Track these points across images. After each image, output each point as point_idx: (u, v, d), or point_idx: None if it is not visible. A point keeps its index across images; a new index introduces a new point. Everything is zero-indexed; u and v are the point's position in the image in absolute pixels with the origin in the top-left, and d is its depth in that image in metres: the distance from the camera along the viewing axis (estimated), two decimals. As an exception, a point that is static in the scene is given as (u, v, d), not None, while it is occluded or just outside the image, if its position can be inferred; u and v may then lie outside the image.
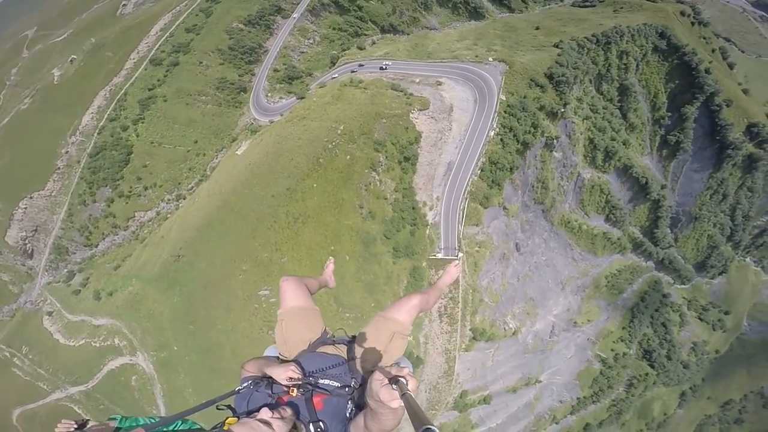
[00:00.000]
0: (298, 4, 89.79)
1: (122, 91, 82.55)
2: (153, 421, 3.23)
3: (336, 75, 74.54)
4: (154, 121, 78.00)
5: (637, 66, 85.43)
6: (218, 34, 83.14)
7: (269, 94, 79.55)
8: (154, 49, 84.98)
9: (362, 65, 72.90)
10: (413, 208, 60.89)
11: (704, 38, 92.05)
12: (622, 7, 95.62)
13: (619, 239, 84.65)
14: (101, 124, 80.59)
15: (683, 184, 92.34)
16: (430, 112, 66.02)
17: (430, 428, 1.73)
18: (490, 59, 74.53)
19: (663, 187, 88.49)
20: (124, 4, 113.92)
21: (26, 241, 78.04)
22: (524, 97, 69.12)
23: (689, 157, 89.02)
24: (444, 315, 61.10)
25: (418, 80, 70.53)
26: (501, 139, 65.57)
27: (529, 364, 74.31)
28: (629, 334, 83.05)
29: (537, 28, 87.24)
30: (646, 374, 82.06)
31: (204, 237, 58.14)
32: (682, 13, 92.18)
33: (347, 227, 55.24)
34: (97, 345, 63.95)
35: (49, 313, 72.03)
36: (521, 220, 75.00)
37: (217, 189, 60.81)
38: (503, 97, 68.87)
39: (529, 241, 74.99)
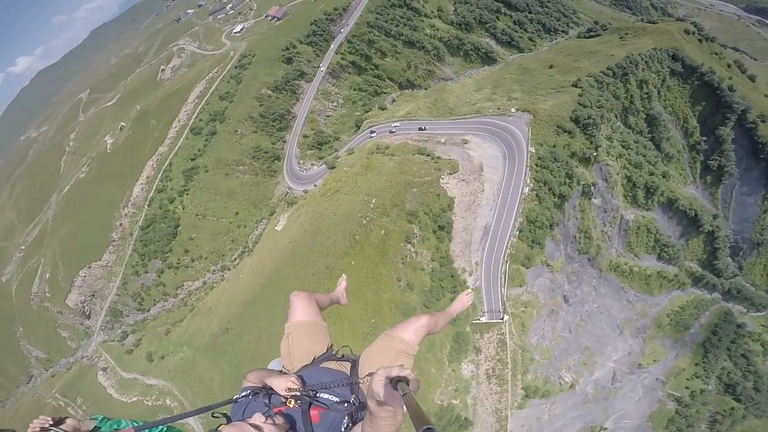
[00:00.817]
0: (319, 67, 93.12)
1: (167, 161, 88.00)
2: (136, 424, 3.22)
3: (362, 139, 76.18)
4: (198, 192, 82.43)
5: (659, 93, 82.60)
6: (249, 102, 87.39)
7: (301, 161, 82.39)
8: (193, 117, 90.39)
9: (393, 131, 73.86)
10: (452, 276, 60.42)
11: (716, 54, 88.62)
12: (626, 33, 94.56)
13: (676, 276, 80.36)
14: (150, 195, 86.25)
15: (737, 210, 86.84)
16: (460, 175, 65.41)
17: (430, 428, 1.73)
18: (513, 110, 73.60)
19: (715, 216, 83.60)
20: (163, 69, 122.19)
21: (84, 304, 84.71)
22: (554, 146, 67.61)
23: (736, 181, 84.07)
24: (492, 377, 60.26)
25: (443, 140, 70.48)
26: (536, 195, 64.05)
27: (591, 413, 71.23)
28: (705, 370, 77.43)
29: (551, 67, 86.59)
30: (732, 409, 76.06)
31: (250, 312, 60.88)
32: (687, 32, 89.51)
33: (386, 300, 56.08)
34: (149, 403, 67.72)
35: (104, 369, 77.27)
36: (567, 272, 72.46)
37: (260, 267, 63.70)
38: (532, 150, 67.49)
39: (578, 290, 72.63)
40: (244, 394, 3.24)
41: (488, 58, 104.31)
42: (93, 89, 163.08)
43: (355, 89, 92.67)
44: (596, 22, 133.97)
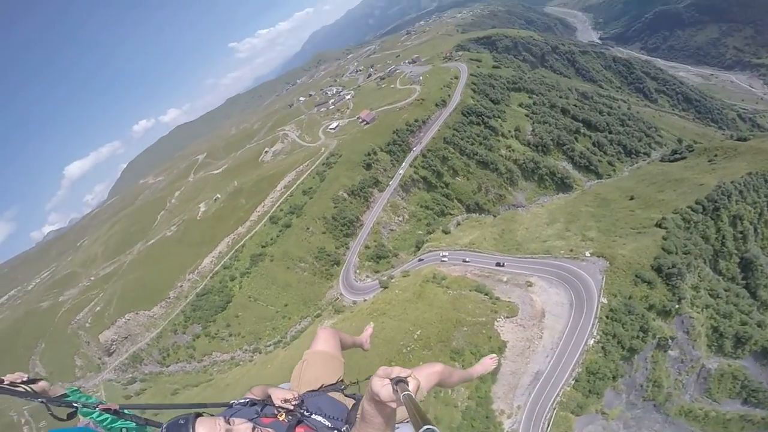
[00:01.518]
0: (393, 178, 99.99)
1: (241, 242, 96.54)
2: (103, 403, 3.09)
3: (420, 262, 77.00)
4: (257, 278, 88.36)
5: (756, 230, 73.23)
6: (326, 201, 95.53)
7: (358, 271, 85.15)
8: (276, 206, 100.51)
9: (444, 259, 73.80)
10: (487, 417, 55.50)
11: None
12: (716, 155, 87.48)
13: (763, 419, 64.35)
14: (216, 269, 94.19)
15: None
16: (519, 320, 61.62)
17: (430, 428, 1.65)
18: (587, 254, 68.98)
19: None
20: (266, 151, 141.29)
21: (113, 343, 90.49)
22: (629, 298, 61.31)
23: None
24: None
25: (505, 278, 67.94)
26: (602, 347, 58.08)
27: None
28: None
29: (632, 198, 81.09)
30: None
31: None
32: None
33: None
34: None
35: (95, 406, 79.24)
36: (625, 419, 62.49)
37: (289, 363, 64.05)
38: (605, 300, 61.67)
39: (635, 435, 61.12)
40: (241, 401, 3.26)
41: (564, 184, 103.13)
42: (209, 154, 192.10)
43: (422, 206, 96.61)
44: (680, 141, 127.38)
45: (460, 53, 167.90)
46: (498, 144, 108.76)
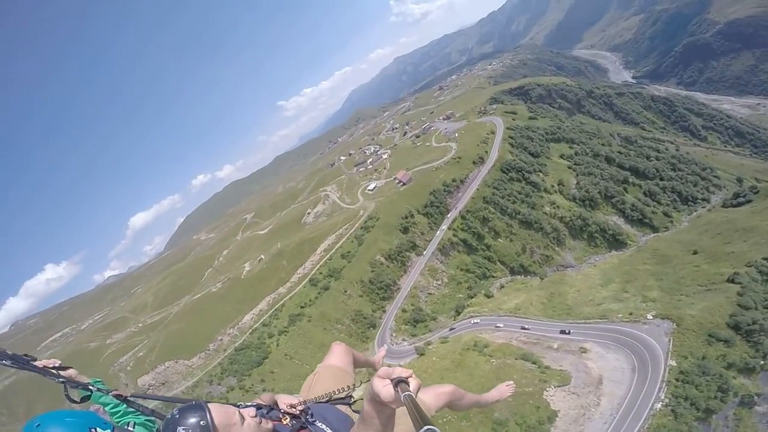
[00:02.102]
0: (431, 241, 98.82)
1: (281, 302, 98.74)
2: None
3: (460, 329, 73.68)
4: (295, 337, 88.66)
5: None
6: (364, 265, 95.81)
7: (394, 334, 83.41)
8: (315, 268, 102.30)
9: (500, 325, 69.63)
10: None
11: None
12: None
13: None
14: (255, 326, 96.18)
15: None
16: (572, 388, 56.66)
17: (431, 429, 1.64)
18: (649, 316, 63.15)
19: None
20: (309, 212, 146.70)
21: (150, 388, 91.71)
22: (703, 358, 54.72)
23: None
24: None
25: (556, 345, 63.16)
26: (672, 410, 51.07)
27: None
28: None
29: (695, 252, 73.72)
30: None
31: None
32: None
33: None
34: None
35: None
36: None
37: None
38: (673, 363, 55.56)
39: None
40: (249, 404, 3.17)
41: (616, 241, 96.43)
42: (257, 213, 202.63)
43: (462, 269, 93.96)
44: (740, 180, 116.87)
45: (494, 106, 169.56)
46: (541, 201, 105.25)
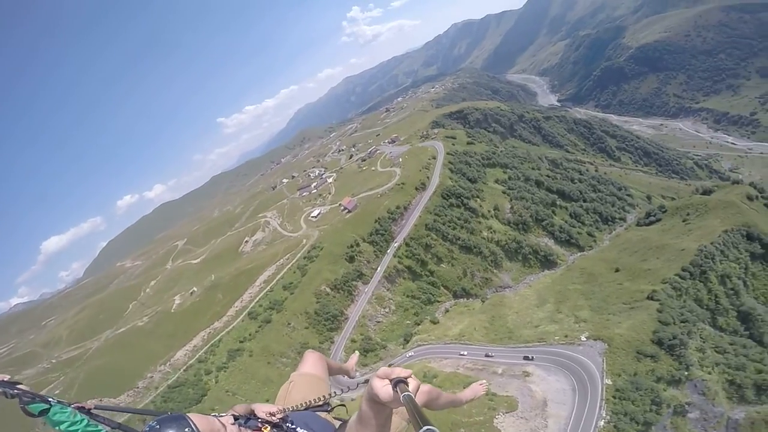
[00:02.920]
0: (377, 269, 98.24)
1: (218, 337, 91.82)
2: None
3: (409, 355, 73.38)
4: (236, 372, 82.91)
5: (745, 284, 73.58)
6: (308, 297, 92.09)
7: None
8: (254, 301, 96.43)
9: (463, 353, 69.89)
10: None
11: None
12: (688, 214, 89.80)
13: None
14: (191, 362, 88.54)
15: None
16: (519, 413, 57.80)
17: (430, 429, 1.66)
18: (583, 338, 66.95)
19: None
20: (246, 241, 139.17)
21: None
22: (635, 375, 58.89)
23: None
24: None
25: (501, 370, 64.49)
26: (615, 426, 54.11)
27: None
28: None
29: (617, 270, 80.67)
30: None
31: None
32: (749, 197, 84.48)
33: None
34: None
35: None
36: None
37: None
38: (609, 381, 58.86)
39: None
40: (224, 414, 3.02)
41: (548, 261, 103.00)
42: (189, 240, 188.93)
43: (408, 296, 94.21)
44: (649, 198, 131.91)
45: (436, 131, 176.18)
46: (479, 226, 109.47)
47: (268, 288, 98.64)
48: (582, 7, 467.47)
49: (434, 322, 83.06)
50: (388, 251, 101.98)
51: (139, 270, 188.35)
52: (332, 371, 4.87)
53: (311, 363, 4.51)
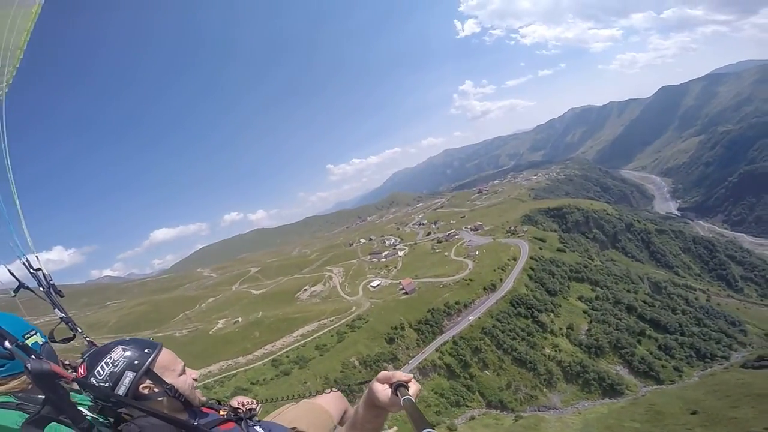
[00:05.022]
0: (413, 358, 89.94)
1: (234, 372, 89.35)
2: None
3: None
4: None
5: None
6: (335, 363, 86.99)
7: None
8: (284, 350, 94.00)
9: None
10: None
11: None
12: None
13: None
14: (198, 385, 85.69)
15: None
16: None
17: (431, 431, 1.66)
18: None
19: None
20: (305, 289, 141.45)
21: None
22: None
23: None
24: None
25: None
26: None
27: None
28: None
29: (693, 413, 61.16)
30: None
31: None
32: None
33: None
34: None
35: None
36: None
37: None
38: None
39: None
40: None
41: (612, 390, 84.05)
42: (262, 270, 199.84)
43: (437, 392, 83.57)
44: None
45: (526, 228, 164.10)
46: (543, 341, 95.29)
47: (302, 343, 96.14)
48: (724, 99, 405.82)
49: (451, 429, 71.54)
50: (432, 344, 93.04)
51: (210, 282, 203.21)
52: (344, 420, 3.91)
53: (329, 398, 3.93)
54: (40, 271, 3.33)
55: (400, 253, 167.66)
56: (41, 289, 3.28)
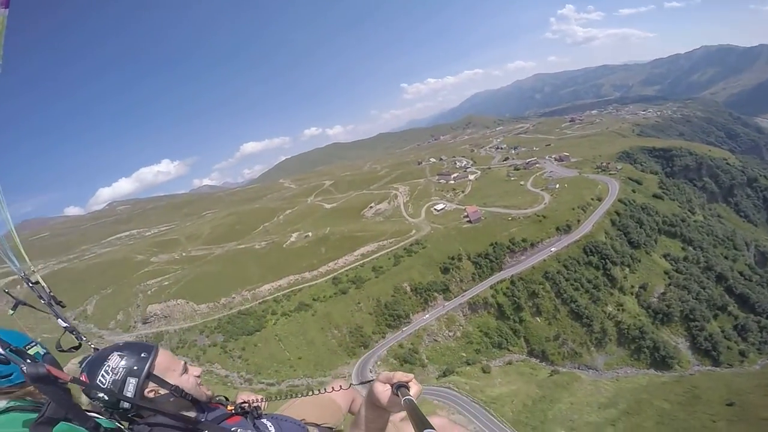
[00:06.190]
0: (466, 291, 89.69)
1: (300, 287, 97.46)
2: None
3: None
4: (293, 323, 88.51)
5: None
6: (387, 287, 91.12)
7: (379, 363, 78.35)
8: (344, 269, 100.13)
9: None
10: None
11: None
12: None
13: None
14: (267, 298, 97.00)
15: None
16: None
17: None
18: None
19: None
20: (371, 206, 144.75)
21: (153, 317, 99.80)
22: None
23: None
24: None
25: None
26: None
27: None
28: None
29: (730, 404, 55.88)
30: None
31: None
32: None
33: None
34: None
35: None
36: None
37: None
38: None
39: None
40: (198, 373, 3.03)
41: (662, 362, 77.76)
42: (335, 184, 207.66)
43: (482, 330, 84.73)
44: None
45: (620, 166, 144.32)
46: (608, 298, 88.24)
47: (361, 263, 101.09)
48: None
49: (485, 371, 73.86)
50: (488, 280, 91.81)
51: (289, 194, 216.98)
52: (354, 408, 3.90)
53: (340, 394, 3.79)
54: (39, 285, 3.27)
55: (471, 177, 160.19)
56: (42, 301, 3.26)
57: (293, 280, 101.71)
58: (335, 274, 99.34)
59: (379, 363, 78.91)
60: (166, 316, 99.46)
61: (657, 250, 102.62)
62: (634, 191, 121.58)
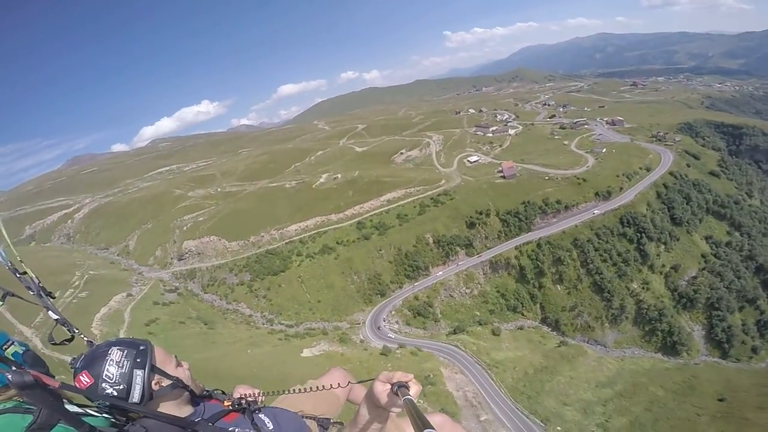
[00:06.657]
0: (489, 249, 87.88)
1: (325, 229, 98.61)
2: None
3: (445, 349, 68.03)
4: (316, 266, 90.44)
5: None
6: (410, 236, 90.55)
7: (392, 312, 79.90)
8: (369, 214, 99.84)
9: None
10: None
11: None
12: None
13: None
14: (294, 238, 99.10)
15: None
16: None
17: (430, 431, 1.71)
18: None
19: None
20: (402, 152, 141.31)
21: (188, 253, 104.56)
22: None
23: None
24: None
25: (483, 418, 51.38)
26: None
27: None
28: None
29: (721, 400, 55.44)
30: None
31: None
32: None
33: None
34: None
35: None
36: None
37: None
38: None
39: None
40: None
41: (672, 347, 76.09)
42: (368, 128, 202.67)
43: (499, 291, 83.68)
44: None
45: (680, 138, 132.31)
46: (636, 274, 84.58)
47: (386, 209, 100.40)
48: None
49: (495, 333, 74.02)
50: (514, 240, 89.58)
51: (322, 135, 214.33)
52: (351, 396, 3.95)
53: (333, 377, 3.86)
54: (27, 275, 3.13)
55: (511, 132, 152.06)
56: (31, 292, 3.12)
57: (319, 221, 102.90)
58: (360, 218, 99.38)
59: (392, 312, 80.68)
60: (199, 253, 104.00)
61: (699, 231, 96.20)
62: (688, 165, 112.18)
